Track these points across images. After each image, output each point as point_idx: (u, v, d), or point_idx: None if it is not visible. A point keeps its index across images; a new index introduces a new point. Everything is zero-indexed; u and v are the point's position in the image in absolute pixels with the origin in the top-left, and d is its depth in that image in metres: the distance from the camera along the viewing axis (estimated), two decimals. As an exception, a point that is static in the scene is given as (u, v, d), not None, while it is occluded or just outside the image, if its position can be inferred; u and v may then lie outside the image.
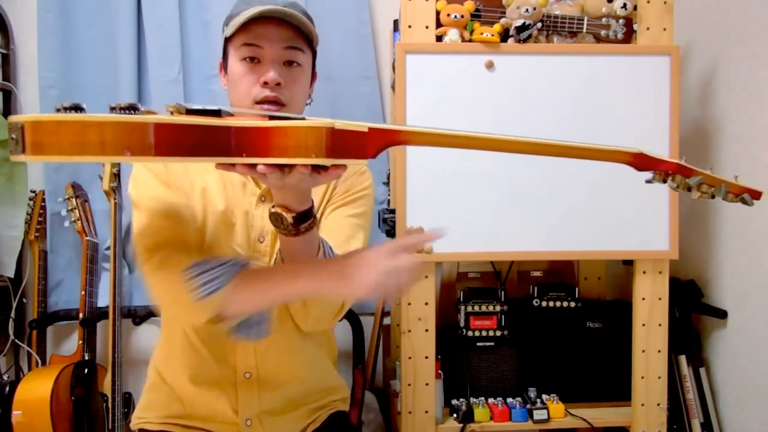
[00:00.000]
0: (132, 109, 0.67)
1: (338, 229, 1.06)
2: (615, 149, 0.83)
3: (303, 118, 0.74)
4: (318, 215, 0.97)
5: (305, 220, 0.89)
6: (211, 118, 0.72)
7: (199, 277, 0.89)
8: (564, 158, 0.84)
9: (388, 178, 1.92)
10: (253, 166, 0.73)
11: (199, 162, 0.73)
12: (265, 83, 1.00)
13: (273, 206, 0.89)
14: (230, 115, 0.76)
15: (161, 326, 1.17)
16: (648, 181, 0.84)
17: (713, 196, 0.83)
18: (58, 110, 0.65)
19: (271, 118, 0.75)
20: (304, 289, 0.92)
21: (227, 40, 1.05)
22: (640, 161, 0.82)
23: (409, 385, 1.53)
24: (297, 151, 0.71)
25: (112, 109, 0.68)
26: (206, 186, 1.07)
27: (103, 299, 1.87)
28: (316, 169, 0.76)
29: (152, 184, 1.04)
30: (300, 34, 1.03)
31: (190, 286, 0.89)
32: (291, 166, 0.74)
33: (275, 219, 0.89)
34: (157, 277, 0.94)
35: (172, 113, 0.73)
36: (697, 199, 0.83)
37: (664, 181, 0.83)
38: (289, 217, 0.87)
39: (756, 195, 0.84)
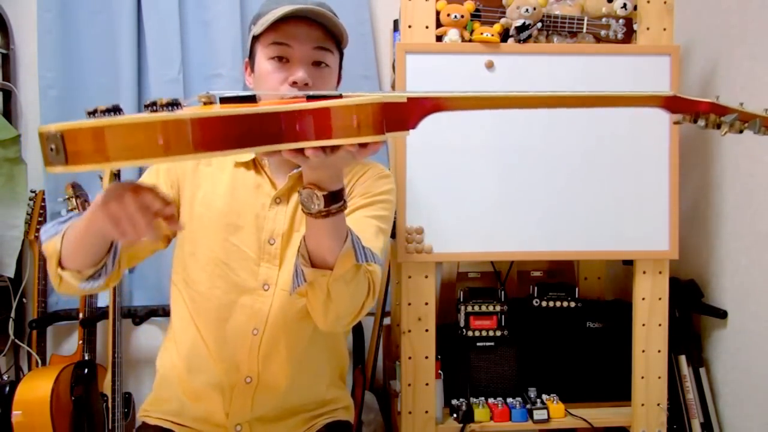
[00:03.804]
0: (175, 104, 0.62)
1: (360, 230, 1.00)
2: (649, 94, 0.82)
3: (340, 95, 0.70)
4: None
5: (336, 200, 0.85)
6: (251, 105, 0.67)
7: (47, 229, 0.98)
8: (599, 108, 0.82)
9: (388, 178, 1.92)
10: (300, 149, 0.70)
11: (244, 152, 0.70)
12: (294, 83, 1.00)
13: (303, 186, 0.85)
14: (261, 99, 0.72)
15: (170, 323, 1.18)
16: (676, 122, 0.85)
17: (741, 131, 0.83)
18: (90, 114, 0.61)
19: (309, 98, 0.71)
20: (93, 219, 0.86)
21: (255, 39, 1.05)
22: (673, 104, 0.83)
23: (409, 385, 1.53)
24: (347, 131, 0.67)
25: (147, 107, 0.64)
26: (210, 189, 1.09)
27: (103, 299, 1.87)
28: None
29: (151, 176, 1.11)
30: (329, 35, 1.03)
31: (41, 236, 0.98)
32: (337, 146, 0.71)
33: (307, 197, 0.85)
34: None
35: (204, 103, 0.69)
36: (723, 135, 0.83)
37: (695, 122, 0.83)
38: (320, 195, 0.83)
39: None
